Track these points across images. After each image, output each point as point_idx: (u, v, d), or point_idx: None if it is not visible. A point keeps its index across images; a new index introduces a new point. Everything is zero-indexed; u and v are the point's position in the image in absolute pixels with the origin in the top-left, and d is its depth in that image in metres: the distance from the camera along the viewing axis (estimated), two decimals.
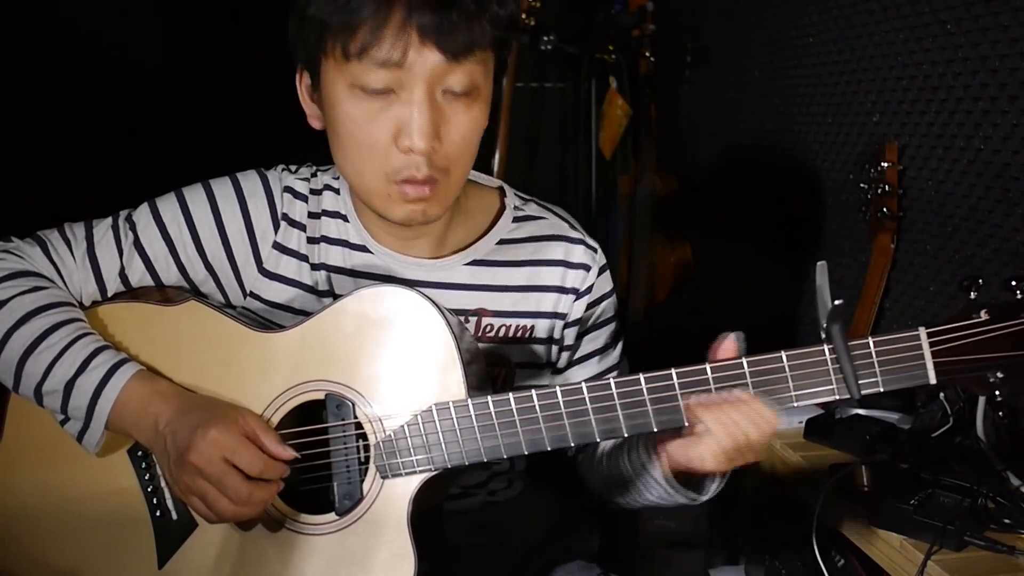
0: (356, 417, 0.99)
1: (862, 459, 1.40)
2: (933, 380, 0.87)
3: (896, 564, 1.18)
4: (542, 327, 1.15)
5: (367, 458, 0.99)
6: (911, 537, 1.17)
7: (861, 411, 1.51)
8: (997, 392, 0.87)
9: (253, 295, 1.10)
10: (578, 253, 1.16)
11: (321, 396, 0.99)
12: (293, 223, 1.10)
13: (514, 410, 0.94)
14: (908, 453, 1.35)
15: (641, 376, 0.92)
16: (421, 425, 0.96)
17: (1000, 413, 0.89)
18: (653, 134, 2.57)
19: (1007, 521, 1.17)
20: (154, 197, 1.10)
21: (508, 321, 1.13)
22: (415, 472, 0.97)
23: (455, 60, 0.93)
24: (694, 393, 0.91)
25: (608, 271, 1.19)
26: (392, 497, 0.98)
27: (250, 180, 1.10)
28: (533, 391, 0.93)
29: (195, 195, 1.09)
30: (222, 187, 1.09)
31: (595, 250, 1.17)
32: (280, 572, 1.00)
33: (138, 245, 1.08)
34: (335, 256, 1.10)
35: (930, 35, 1.54)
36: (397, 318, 0.98)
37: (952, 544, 1.13)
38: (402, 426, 0.97)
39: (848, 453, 1.45)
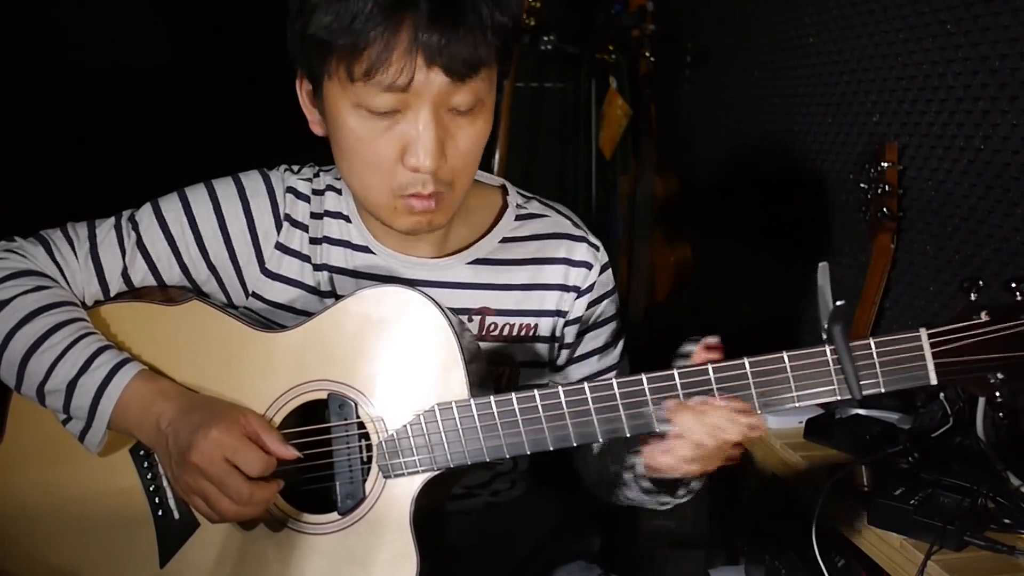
0: (358, 417, 0.99)
1: (862, 459, 1.40)
2: (934, 381, 0.87)
3: (896, 564, 1.18)
4: (545, 325, 1.15)
5: (369, 458, 0.99)
6: (911, 537, 1.17)
7: (861, 411, 1.52)
8: (997, 393, 0.87)
9: (255, 295, 1.10)
10: (580, 251, 1.16)
11: (323, 396, 0.99)
12: (295, 224, 1.10)
13: (516, 410, 0.94)
14: (908, 453, 1.35)
15: (644, 376, 0.92)
16: (423, 425, 0.96)
17: (1000, 414, 0.89)
18: (653, 134, 2.58)
19: (1007, 521, 1.17)
20: (157, 197, 1.10)
21: (512, 320, 1.13)
22: (417, 472, 0.97)
23: (461, 81, 0.92)
24: (671, 397, 0.92)
25: (610, 269, 1.19)
26: (394, 497, 0.98)
27: (253, 180, 1.10)
28: (536, 391, 0.94)
29: (198, 195, 1.09)
30: (225, 187, 1.09)
31: (597, 248, 1.17)
32: (282, 572, 1.00)
33: (141, 245, 1.08)
34: (337, 257, 1.11)
35: (930, 35, 1.55)
36: (399, 318, 0.98)
37: (952, 544, 1.13)
38: (404, 426, 0.97)
39: (848, 453, 1.45)
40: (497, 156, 2.48)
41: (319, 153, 1.10)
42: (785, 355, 0.89)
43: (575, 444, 0.94)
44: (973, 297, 0.88)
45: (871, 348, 0.87)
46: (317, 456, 1.00)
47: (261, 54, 1.45)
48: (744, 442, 0.92)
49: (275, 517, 1.00)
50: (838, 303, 0.87)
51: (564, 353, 1.18)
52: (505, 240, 1.14)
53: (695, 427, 0.89)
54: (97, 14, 2.01)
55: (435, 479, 0.98)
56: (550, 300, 1.15)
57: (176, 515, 1.03)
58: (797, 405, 0.90)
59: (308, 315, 1.02)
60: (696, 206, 2.69)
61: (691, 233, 2.71)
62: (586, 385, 0.93)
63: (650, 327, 2.59)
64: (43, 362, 0.98)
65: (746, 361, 0.90)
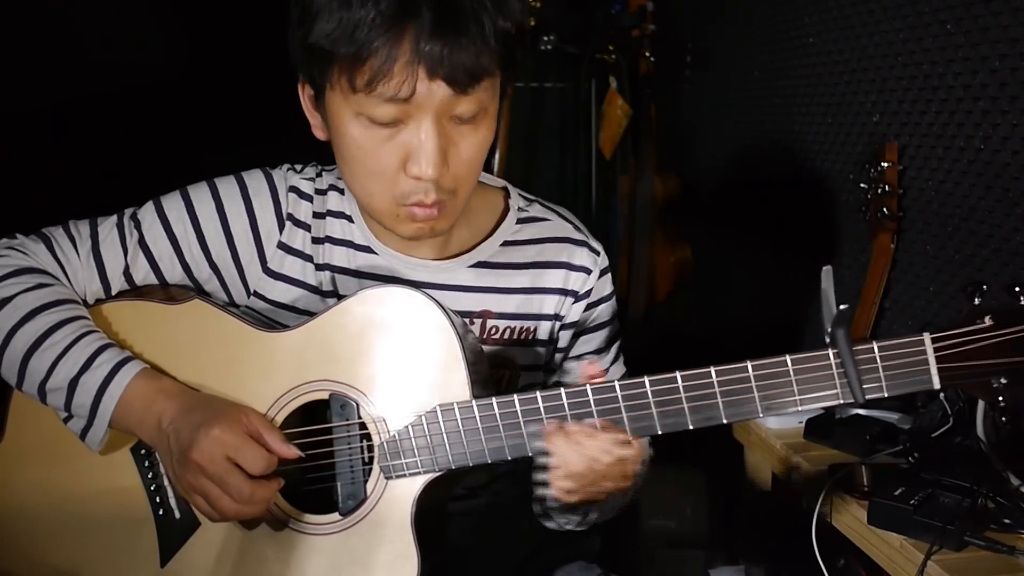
0: (360, 417, 0.99)
1: (862, 459, 1.40)
2: (937, 386, 0.87)
3: (896, 564, 1.18)
4: (544, 329, 1.15)
5: (371, 458, 0.99)
6: (911, 537, 1.17)
7: (861, 411, 1.52)
8: (1000, 398, 0.87)
9: (257, 294, 1.10)
10: (580, 255, 1.16)
11: (325, 396, 0.99)
12: (298, 223, 1.10)
13: (519, 411, 0.94)
14: (908, 453, 1.35)
15: (646, 379, 0.92)
16: (425, 426, 0.96)
17: (1003, 419, 0.89)
18: (653, 134, 2.58)
19: (1007, 521, 1.17)
20: (159, 196, 1.10)
21: (512, 323, 1.13)
22: (419, 473, 0.97)
23: (463, 92, 0.92)
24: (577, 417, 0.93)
25: (609, 274, 1.19)
26: (396, 498, 0.98)
27: (255, 179, 1.10)
28: (537, 392, 0.93)
29: (200, 194, 1.09)
30: (227, 186, 1.09)
31: (598, 253, 1.18)
32: (282, 571, 1.00)
33: (143, 244, 1.08)
34: (339, 256, 1.11)
35: (930, 35, 1.55)
36: (401, 318, 0.98)
37: (952, 544, 1.13)
38: (406, 427, 0.97)
39: (848, 453, 1.45)
40: (497, 156, 2.48)
41: (321, 153, 1.10)
42: (788, 358, 0.89)
43: None
44: (977, 301, 0.88)
45: (874, 352, 0.87)
46: (318, 456, 1.00)
47: (263, 54, 1.44)
48: (622, 467, 0.93)
49: (276, 517, 1.00)
50: (842, 307, 0.87)
51: (558, 356, 1.19)
52: (506, 243, 1.14)
53: (567, 451, 0.91)
54: (100, 13, 2.01)
55: (436, 480, 0.98)
56: (549, 304, 1.15)
57: (177, 514, 1.03)
58: (800, 409, 0.90)
59: (310, 315, 1.02)
60: (696, 206, 2.69)
61: (691, 233, 2.72)
62: (588, 387, 0.93)
63: (650, 327, 2.60)
64: (44, 360, 0.98)
65: (749, 364, 0.90)
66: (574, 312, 1.16)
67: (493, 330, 1.13)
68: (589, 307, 1.17)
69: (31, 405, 1.03)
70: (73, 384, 0.98)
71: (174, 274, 1.09)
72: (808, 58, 1.99)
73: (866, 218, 1.65)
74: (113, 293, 1.09)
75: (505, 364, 1.14)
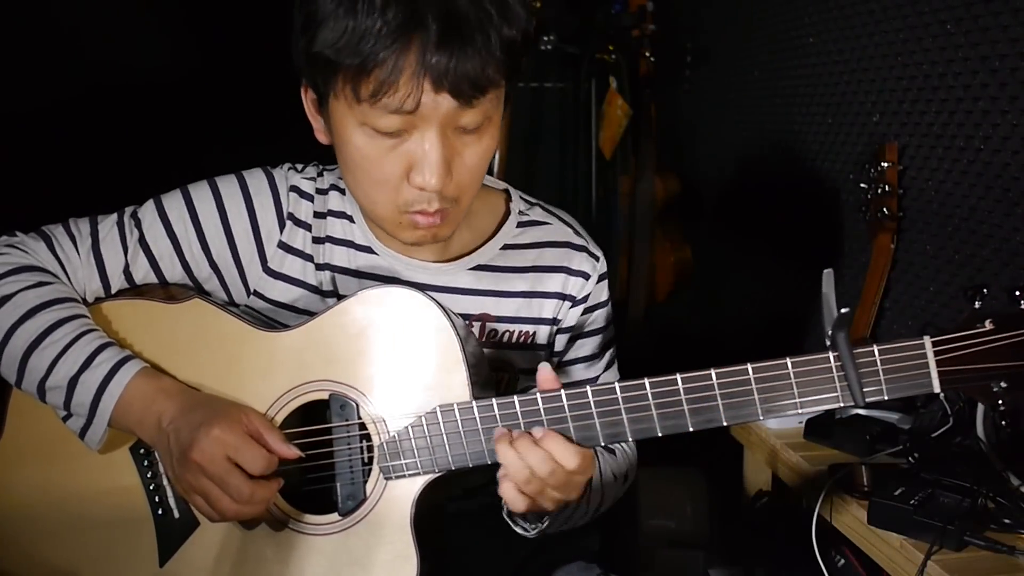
0: (360, 418, 0.99)
1: (862, 459, 1.40)
2: (937, 389, 0.87)
3: (896, 564, 1.18)
4: (543, 333, 1.15)
5: (370, 459, 0.99)
6: (911, 537, 1.17)
7: (861, 411, 1.52)
8: (1000, 402, 0.87)
9: (257, 294, 1.10)
10: (580, 260, 1.16)
11: (325, 396, 0.99)
12: (298, 223, 1.10)
13: (519, 412, 0.94)
14: (908, 453, 1.35)
15: (646, 381, 0.91)
16: (425, 427, 0.96)
17: (1004, 422, 0.89)
18: (653, 134, 2.58)
19: (1007, 521, 1.17)
20: (160, 194, 1.10)
21: (511, 327, 1.13)
22: (419, 474, 0.97)
23: (468, 104, 0.91)
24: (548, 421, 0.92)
25: (607, 280, 1.19)
26: (395, 498, 0.98)
27: (256, 178, 1.10)
28: (538, 394, 0.93)
29: (201, 193, 1.09)
30: (228, 185, 1.09)
31: (597, 258, 1.18)
32: (282, 572, 1.00)
33: (143, 242, 1.08)
34: (340, 256, 1.11)
35: (930, 35, 1.55)
36: (402, 319, 0.98)
37: (952, 544, 1.13)
38: (406, 427, 0.97)
39: (848, 453, 1.45)
40: (497, 156, 2.48)
41: (322, 152, 1.10)
42: (788, 361, 0.89)
43: None
44: (977, 305, 0.88)
45: (875, 355, 0.87)
46: (318, 457, 1.00)
47: (265, 53, 1.45)
48: (568, 476, 0.92)
49: (275, 517, 1.00)
50: (842, 310, 0.87)
51: (554, 360, 1.19)
52: (507, 247, 1.14)
53: (512, 459, 0.91)
54: (101, 12, 2.01)
55: (436, 481, 0.98)
56: (548, 308, 1.15)
57: (176, 514, 1.03)
58: (800, 411, 0.90)
59: (310, 315, 1.02)
60: (696, 206, 2.70)
61: (691, 233, 2.72)
62: (588, 389, 0.92)
63: (650, 327, 2.60)
64: (44, 358, 0.98)
65: (749, 367, 0.90)
66: (571, 317, 1.16)
67: (492, 333, 1.13)
68: (586, 312, 1.17)
69: (30, 403, 1.03)
70: (73, 383, 0.97)
71: (174, 273, 1.09)
72: (808, 58, 1.98)
73: (866, 218, 1.65)
74: (113, 291, 1.08)
75: (504, 367, 1.14)
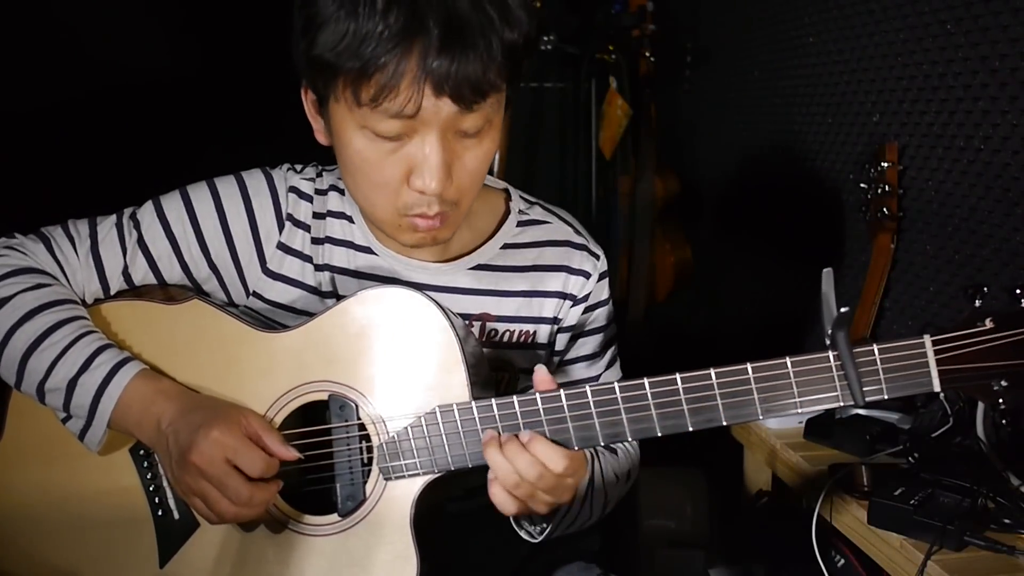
0: (359, 418, 0.99)
1: (862, 459, 1.40)
2: (937, 388, 0.86)
3: (896, 564, 1.18)
4: (544, 332, 1.15)
5: (370, 459, 0.99)
6: (911, 537, 1.17)
7: (861, 411, 1.52)
8: (1001, 400, 0.87)
9: (256, 295, 1.10)
10: (580, 259, 1.16)
11: (324, 397, 0.99)
12: (297, 223, 1.10)
13: (518, 413, 0.93)
14: (908, 453, 1.35)
15: (646, 380, 0.91)
16: (424, 427, 0.96)
17: (1004, 421, 0.89)
18: (653, 134, 2.58)
19: (1007, 521, 1.17)
20: (158, 195, 1.10)
21: (512, 326, 1.13)
22: (418, 474, 0.97)
23: (469, 109, 0.91)
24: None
25: (608, 278, 1.19)
26: (395, 499, 0.98)
27: (255, 179, 1.10)
28: (537, 394, 0.93)
29: (199, 193, 1.09)
30: (227, 186, 1.09)
31: (597, 257, 1.18)
32: (281, 572, 1.00)
33: (142, 243, 1.07)
34: (339, 257, 1.10)
35: (930, 35, 1.55)
36: (401, 319, 0.98)
37: (952, 544, 1.13)
38: (405, 428, 0.97)
39: (848, 453, 1.45)
40: (497, 156, 2.47)
41: (322, 152, 1.10)
42: (788, 360, 0.89)
43: (576, 448, 0.94)
44: (977, 304, 0.87)
45: (875, 354, 0.87)
46: (318, 457, 1.00)
47: (264, 53, 1.45)
48: (558, 479, 0.92)
49: (275, 518, 1.00)
50: (842, 310, 0.87)
51: (555, 359, 1.18)
52: (507, 246, 1.14)
53: (499, 463, 0.91)
54: (101, 12, 2.01)
55: (436, 481, 0.98)
56: (549, 307, 1.15)
57: (176, 515, 1.03)
58: (800, 411, 0.90)
59: (309, 315, 1.02)
60: (696, 206, 2.69)
61: (691, 233, 2.72)
62: (588, 388, 0.92)
63: (650, 327, 2.60)
64: (43, 360, 0.98)
65: (748, 366, 0.90)
66: (572, 316, 1.16)
67: (492, 332, 1.13)
68: (587, 310, 1.17)
69: (30, 405, 1.03)
70: (72, 384, 0.97)
71: (173, 274, 1.09)
72: (808, 58, 1.98)
73: (866, 218, 1.65)
74: (112, 293, 1.08)
75: (504, 367, 1.14)
